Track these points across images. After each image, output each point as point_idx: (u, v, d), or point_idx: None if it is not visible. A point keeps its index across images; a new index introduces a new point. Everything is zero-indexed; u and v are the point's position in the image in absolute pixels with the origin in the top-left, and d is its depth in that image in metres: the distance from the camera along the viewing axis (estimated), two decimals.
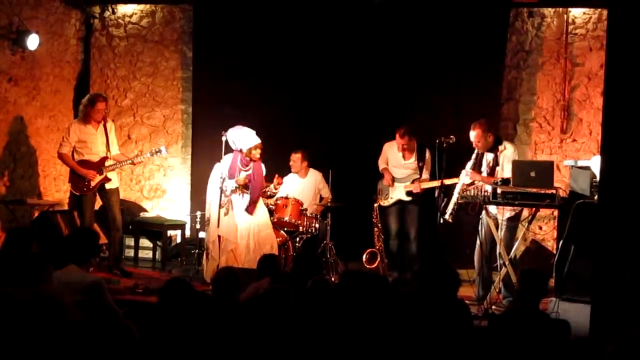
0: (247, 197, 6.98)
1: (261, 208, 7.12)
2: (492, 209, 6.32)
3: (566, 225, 5.73)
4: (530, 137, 8.35)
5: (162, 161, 8.87)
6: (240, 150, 6.98)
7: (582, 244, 5.62)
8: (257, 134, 7.06)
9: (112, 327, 3.41)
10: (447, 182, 6.64)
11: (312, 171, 7.94)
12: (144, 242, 8.23)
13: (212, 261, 6.89)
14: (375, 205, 7.51)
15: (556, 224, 7.05)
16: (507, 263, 6.19)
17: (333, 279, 6.91)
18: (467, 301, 4.71)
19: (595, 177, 5.91)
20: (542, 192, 5.99)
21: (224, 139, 6.96)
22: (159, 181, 9.02)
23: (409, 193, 7.43)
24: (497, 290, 6.33)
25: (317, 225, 7.45)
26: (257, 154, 7.00)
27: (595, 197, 5.51)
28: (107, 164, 7.17)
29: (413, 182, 7.41)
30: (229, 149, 7.03)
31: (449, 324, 4.01)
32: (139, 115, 8.99)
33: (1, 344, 3.35)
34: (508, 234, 6.33)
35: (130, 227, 8.14)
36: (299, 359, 3.61)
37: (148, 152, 7.56)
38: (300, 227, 7.35)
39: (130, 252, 8.15)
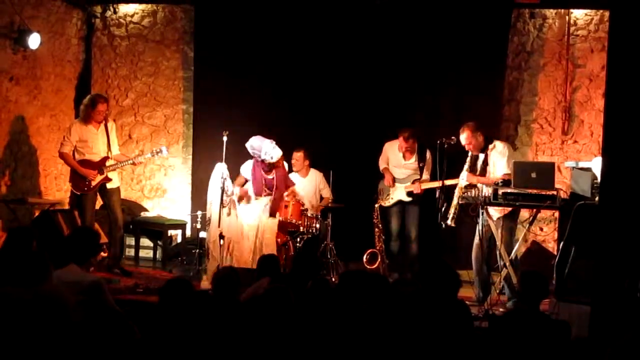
0: (257, 203, 7.03)
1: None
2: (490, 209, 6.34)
3: (567, 226, 5.73)
4: (531, 138, 8.35)
5: (163, 161, 8.87)
6: (263, 161, 7.01)
7: (582, 245, 5.62)
8: (257, 134, 7.08)
9: (113, 326, 3.41)
10: (448, 182, 6.65)
11: (313, 171, 7.94)
12: (145, 241, 8.23)
13: (213, 261, 6.90)
14: (376, 205, 7.51)
15: (557, 225, 7.04)
16: (507, 264, 6.20)
17: (333, 280, 6.92)
18: (467, 302, 4.71)
19: (596, 178, 5.90)
20: (543, 193, 6.00)
21: (224, 138, 6.97)
22: (159, 181, 9.03)
23: (409, 193, 7.43)
24: (498, 291, 6.34)
25: (317, 226, 7.44)
26: (279, 164, 7.07)
27: (596, 199, 5.51)
28: (108, 163, 7.18)
29: (414, 182, 7.42)
30: (232, 150, 7.05)
31: (450, 324, 4.01)
32: (140, 115, 9.00)
33: (2, 343, 3.35)
34: (506, 234, 6.33)
35: (131, 226, 8.15)
36: (299, 358, 3.62)
37: (149, 152, 7.57)
38: (301, 228, 7.34)
39: (130, 252, 8.16)
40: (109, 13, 8.92)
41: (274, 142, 7.01)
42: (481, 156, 6.53)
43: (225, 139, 6.96)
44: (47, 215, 7.44)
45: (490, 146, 6.50)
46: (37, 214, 7.77)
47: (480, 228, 6.34)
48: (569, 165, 7.16)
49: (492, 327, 4.39)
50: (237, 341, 3.68)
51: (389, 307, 4.03)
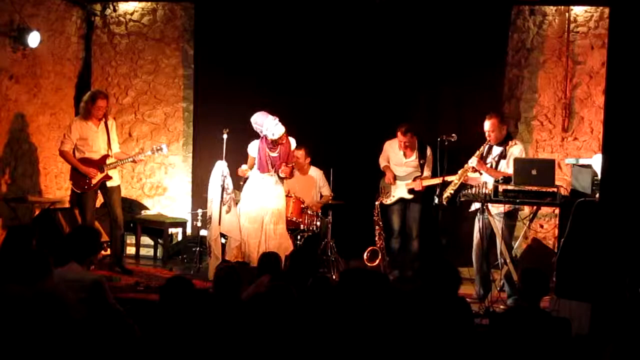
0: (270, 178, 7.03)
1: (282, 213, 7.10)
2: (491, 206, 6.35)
3: (567, 223, 5.73)
4: (531, 135, 8.34)
5: (163, 159, 8.87)
6: (265, 137, 6.97)
7: (583, 242, 5.62)
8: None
9: (113, 325, 3.41)
10: (449, 179, 6.65)
11: (313, 168, 7.93)
12: (145, 239, 8.24)
13: (214, 259, 6.90)
14: (377, 203, 7.51)
15: (557, 222, 7.03)
16: (508, 261, 6.20)
17: (334, 277, 6.91)
18: (468, 299, 4.71)
19: (596, 175, 5.91)
20: (544, 190, 6.00)
21: (225, 136, 6.96)
22: (160, 179, 9.02)
23: (410, 191, 7.43)
24: (498, 288, 6.34)
25: (318, 223, 7.45)
26: (282, 141, 7.00)
27: (597, 196, 5.51)
28: (108, 161, 7.17)
29: (414, 179, 7.42)
30: (232, 148, 7.03)
31: (450, 322, 4.02)
32: (140, 113, 8.99)
33: (2, 341, 3.36)
34: (506, 231, 6.34)
35: (132, 224, 8.15)
36: (300, 356, 3.62)
37: (149, 150, 7.56)
38: (302, 225, 7.35)
39: (131, 250, 8.17)
40: (108, 11, 8.91)
41: (277, 119, 6.94)
42: (495, 149, 6.54)
43: (225, 136, 6.96)
44: (48, 214, 7.44)
45: (511, 142, 6.52)
46: (37, 212, 7.78)
47: (481, 225, 6.35)
48: (569, 162, 7.16)
49: (492, 325, 4.39)
50: (239, 339, 3.68)
51: (390, 304, 4.03)
